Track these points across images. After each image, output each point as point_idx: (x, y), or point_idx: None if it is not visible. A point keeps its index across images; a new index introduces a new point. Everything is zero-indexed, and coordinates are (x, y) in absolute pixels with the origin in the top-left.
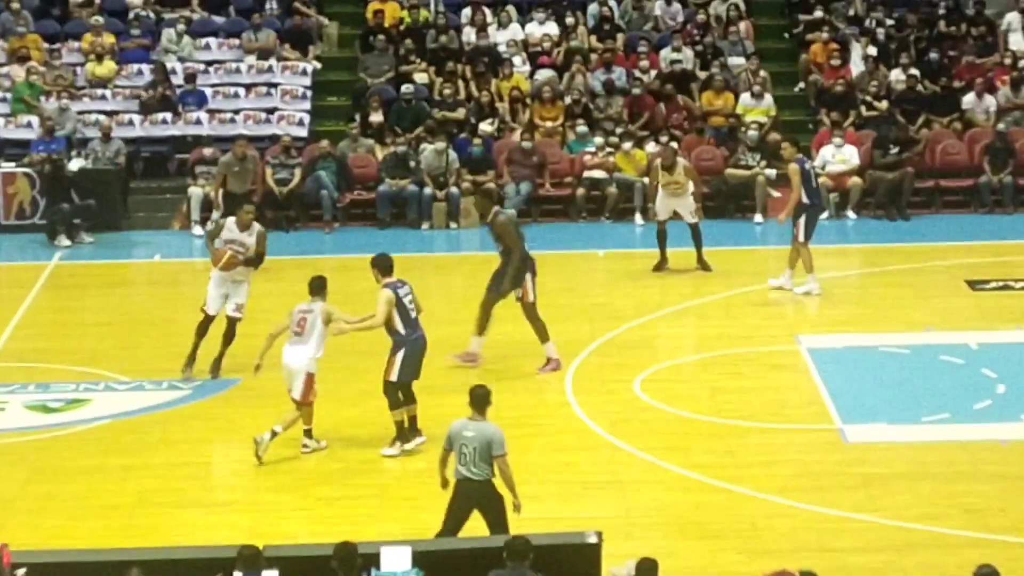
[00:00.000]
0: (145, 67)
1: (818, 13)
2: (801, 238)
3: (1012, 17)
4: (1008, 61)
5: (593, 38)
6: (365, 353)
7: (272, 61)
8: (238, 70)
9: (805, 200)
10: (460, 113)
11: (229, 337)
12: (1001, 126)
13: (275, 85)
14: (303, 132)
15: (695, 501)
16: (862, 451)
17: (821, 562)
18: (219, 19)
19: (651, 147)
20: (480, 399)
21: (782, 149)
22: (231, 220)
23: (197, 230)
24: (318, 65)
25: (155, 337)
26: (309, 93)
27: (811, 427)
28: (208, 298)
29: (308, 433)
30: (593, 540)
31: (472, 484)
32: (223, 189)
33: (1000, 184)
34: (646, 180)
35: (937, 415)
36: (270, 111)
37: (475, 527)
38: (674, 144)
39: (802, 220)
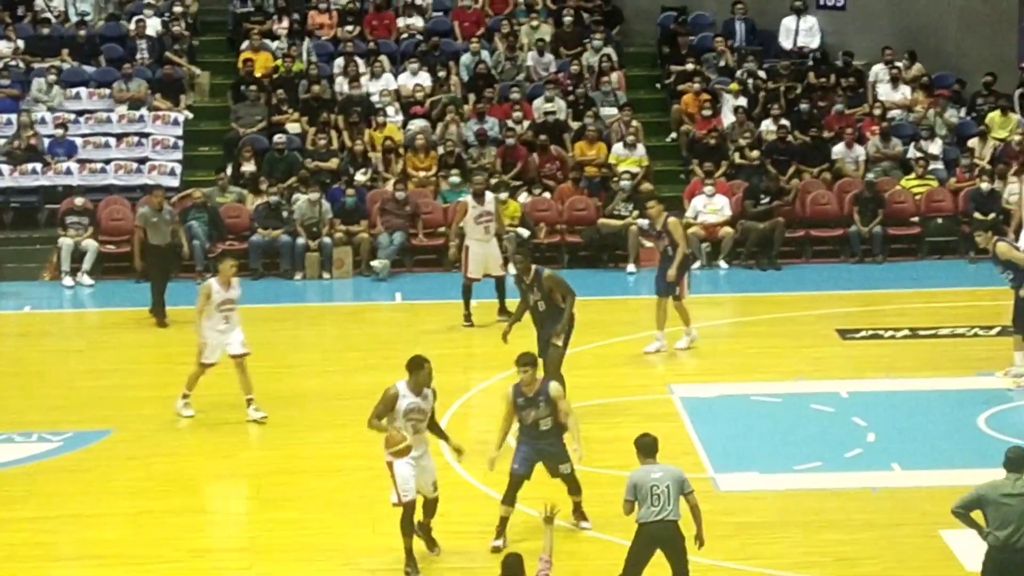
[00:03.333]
0: (15, 117)
1: (689, 64)
2: (686, 294)
3: (879, 68)
4: (877, 112)
5: (466, 88)
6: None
7: (143, 111)
8: (109, 120)
9: (687, 251)
10: (333, 163)
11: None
12: (870, 176)
13: (146, 135)
14: (175, 182)
15: (569, 550)
16: (734, 500)
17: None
18: (90, 69)
19: (523, 197)
20: (648, 446)
21: (648, 208)
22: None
23: (67, 281)
24: (189, 115)
25: (24, 389)
26: (181, 143)
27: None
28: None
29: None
30: None
31: (668, 526)
32: (144, 241)
33: (870, 234)
34: (520, 230)
35: (809, 463)
36: (141, 161)
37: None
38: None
39: (686, 275)
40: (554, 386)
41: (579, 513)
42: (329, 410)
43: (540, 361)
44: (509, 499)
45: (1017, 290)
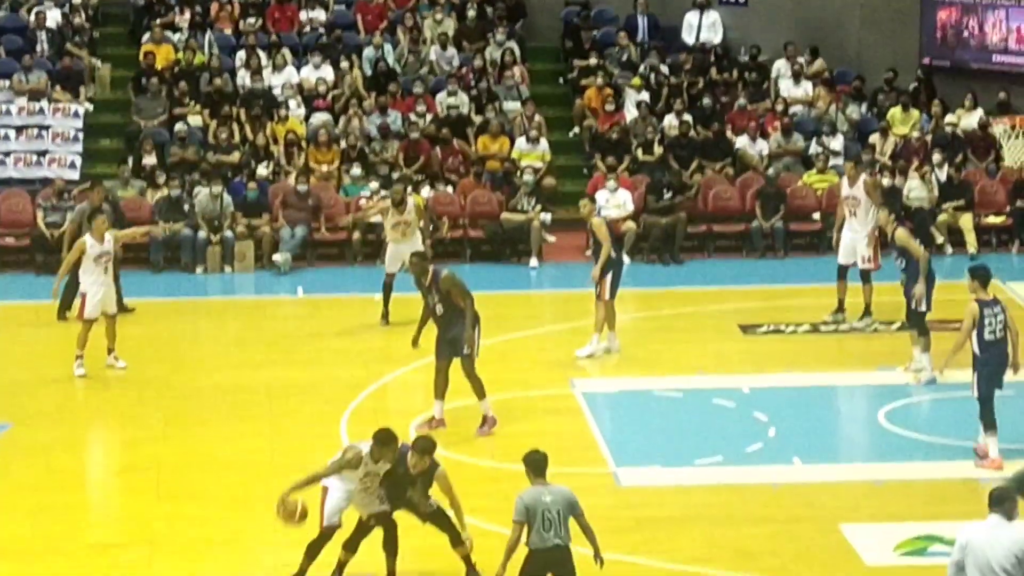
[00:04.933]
0: None
1: (592, 59)
2: (607, 296)
3: (781, 64)
4: (780, 107)
5: (368, 81)
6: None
7: (43, 103)
8: (8, 112)
9: (612, 255)
10: (235, 156)
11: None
12: (772, 171)
13: (46, 127)
14: (75, 175)
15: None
16: (635, 494)
17: None
18: None
19: (426, 191)
20: (538, 463)
21: (581, 207)
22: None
23: None
24: (90, 107)
25: None
26: (81, 135)
27: (585, 470)
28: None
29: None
30: None
31: (560, 551)
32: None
33: (771, 229)
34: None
35: (710, 458)
36: (41, 153)
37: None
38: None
39: (609, 277)
40: (442, 473)
41: (472, 570)
42: (230, 404)
43: (437, 364)
44: (352, 545)
45: (905, 285)
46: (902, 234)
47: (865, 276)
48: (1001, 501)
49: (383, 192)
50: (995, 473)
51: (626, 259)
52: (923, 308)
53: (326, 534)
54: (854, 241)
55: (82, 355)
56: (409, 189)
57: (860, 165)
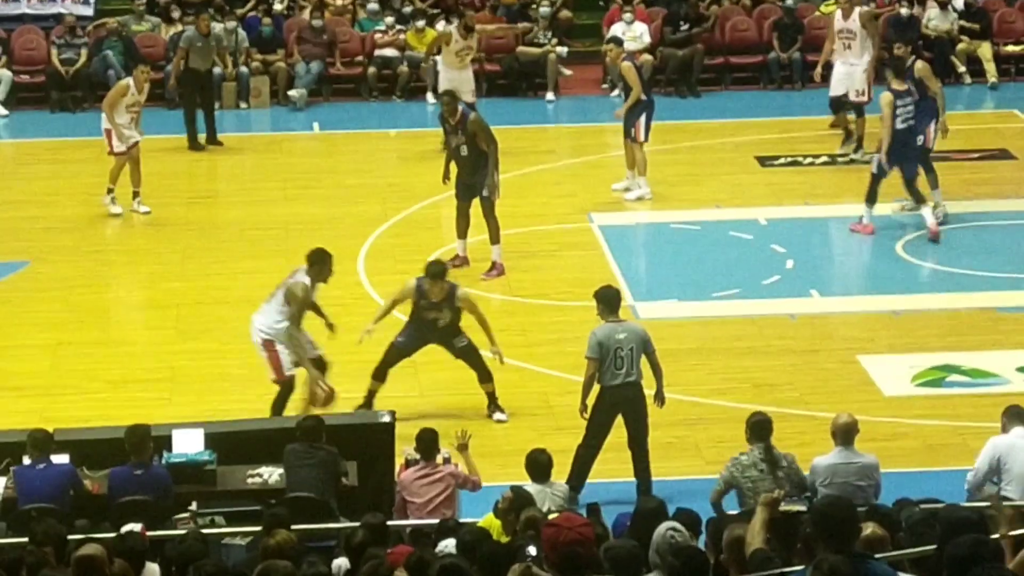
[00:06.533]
0: None
1: None
2: (641, 137)
3: None
4: None
5: None
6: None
7: None
8: None
9: (643, 97)
10: None
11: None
12: (789, 2)
13: None
14: (89, 11)
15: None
16: (654, 327)
17: (614, 437)
18: None
19: (441, 25)
20: (611, 299)
21: (607, 52)
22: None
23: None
24: None
25: None
26: None
27: None
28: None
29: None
30: (386, 419)
31: (632, 388)
32: (184, 64)
33: (788, 60)
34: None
35: (727, 291)
36: None
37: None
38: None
39: (642, 119)
40: (463, 294)
41: (493, 405)
42: (247, 240)
43: (458, 205)
44: (380, 374)
45: (916, 120)
46: (923, 66)
47: (859, 109)
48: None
49: (399, 27)
50: (869, 237)
51: None
52: (930, 145)
53: (286, 386)
54: (849, 73)
55: (114, 188)
56: (421, 23)
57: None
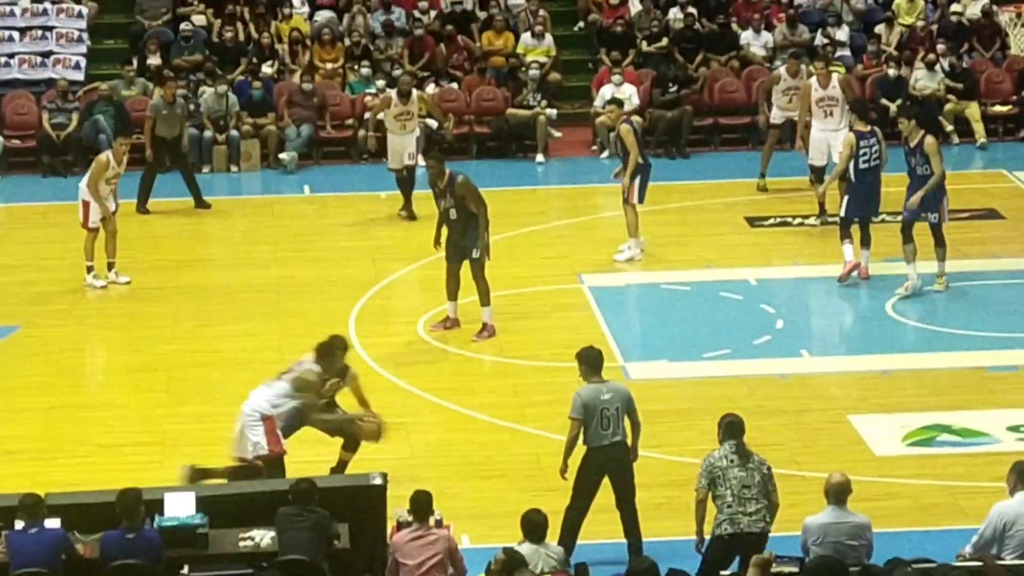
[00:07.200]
0: None
1: None
2: (635, 199)
3: None
4: None
5: None
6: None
7: (47, 4)
8: (12, 13)
9: (640, 160)
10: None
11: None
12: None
13: (50, 28)
14: (80, 76)
15: (480, 441)
16: (644, 388)
17: (603, 498)
18: None
19: (431, 88)
20: (594, 360)
21: (607, 113)
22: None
23: None
24: (94, 6)
25: None
26: (85, 36)
27: None
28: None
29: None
30: (378, 482)
31: (618, 448)
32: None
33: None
34: (428, 121)
35: (718, 351)
36: (45, 55)
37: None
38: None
39: (636, 181)
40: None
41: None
42: (238, 303)
43: (448, 267)
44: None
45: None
46: (931, 142)
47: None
48: None
49: (389, 90)
50: (858, 293)
51: None
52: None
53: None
54: (827, 140)
55: (92, 264)
56: (431, 89)
57: (830, 64)
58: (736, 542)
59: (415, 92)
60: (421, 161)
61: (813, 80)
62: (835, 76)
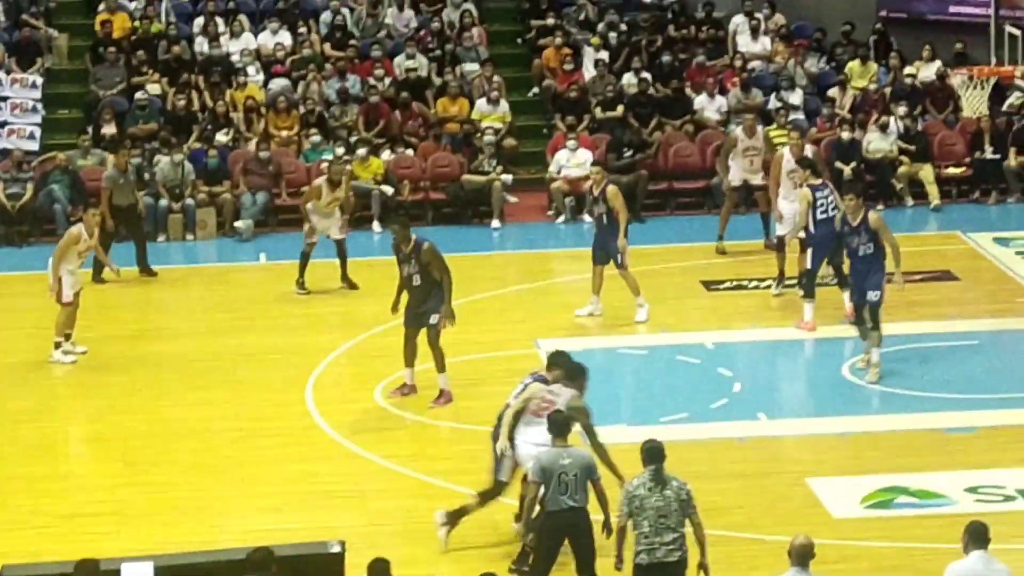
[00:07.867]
0: None
1: (550, 19)
2: (628, 261)
3: (740, 19)
4: (738, 63)
5: (327, 46)
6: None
7: (1, 74)
8: None
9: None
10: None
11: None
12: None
13: (4, 99)
14: (34, 146)
15: (438, 507)
16: None
17: (561, 570)
18: None
19: (387, 155)
20: (560, 425)
21: (592, 174)
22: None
23: None
24: (46, 76)
25: None
26: (39, 106)
27: None
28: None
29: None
30: (336, 549)
31: (576, 514)
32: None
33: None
34: (384, 188)
35: (675, 415)
36: (0, 125)
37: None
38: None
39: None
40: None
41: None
42: (194, 372)
43: (407, 331)
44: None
45: (865, 273)
46: (876, 218)
47: (805, 244)
48: (981, 536)
49: (346, 157)
50: (810, 335)
51: (587, 218)
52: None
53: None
54: (797, 212)
55: (62, 340)
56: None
57: (804, 135)
58: (653, 572)
59: (346, 171)
60: (378, 228)
61: (786, 151)
62: (809, 148)
